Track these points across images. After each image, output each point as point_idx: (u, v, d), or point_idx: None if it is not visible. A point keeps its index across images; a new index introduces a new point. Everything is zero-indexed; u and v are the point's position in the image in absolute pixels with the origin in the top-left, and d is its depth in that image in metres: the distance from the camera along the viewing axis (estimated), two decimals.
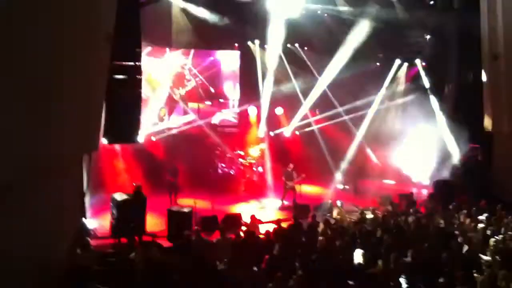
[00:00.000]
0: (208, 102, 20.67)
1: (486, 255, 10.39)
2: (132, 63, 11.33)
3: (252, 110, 20.88)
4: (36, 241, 8.59)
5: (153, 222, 13.85)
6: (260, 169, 19.61)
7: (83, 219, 12.55)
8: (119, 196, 13.16)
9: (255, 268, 9.31)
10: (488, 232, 11.56)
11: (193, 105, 20.28)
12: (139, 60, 11.68)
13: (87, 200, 13.00)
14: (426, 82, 20.86)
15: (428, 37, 19.87)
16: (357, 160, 19.61)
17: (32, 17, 7.17)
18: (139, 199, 13.10)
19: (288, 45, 20.58)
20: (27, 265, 8.21)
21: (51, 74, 7.85)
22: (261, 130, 20.74)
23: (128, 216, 12.67)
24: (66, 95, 8.47)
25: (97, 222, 13.82)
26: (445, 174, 19.27)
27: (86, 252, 10.32)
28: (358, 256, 9.93)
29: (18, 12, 6.84)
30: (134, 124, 11.67)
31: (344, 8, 18.92)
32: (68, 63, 8.29)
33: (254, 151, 19.91)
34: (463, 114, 18.76)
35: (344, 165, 19.68)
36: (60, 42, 7.92)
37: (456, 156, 19.56)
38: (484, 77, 17.73)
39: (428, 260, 9.80)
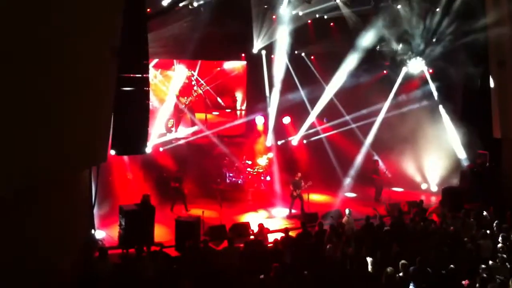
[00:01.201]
0: (216, 112, 20.77)
1: (496, 262, 10.33)
2: (139, 75, 11.41)
3: (259, 120, 20.93)
4: (44, 252, 8.66)
5: (161, 232, 13.90)
6: (268, 178, 19.65)
7: (92, 230, 12.62)
8: (127, 207, 13.25)
9: (262, 277, 9.32)
10: (498, 238, 11.49)
11: (200, 115, 20.36)
12: (147, 72, 11.76)
13: (96, 211, 13.06)
14: (433, 89, 20.83)
15: (435, 43, 19.83)
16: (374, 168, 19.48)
17: (42, 30, 7.29)
18: (147, 209, 13.16)
19: (296, 52, 20.69)
20: (35, 276, 8.28)
21: (59, 87, 7.96)
22: (269, 140, 20.77)
23: (136, 226, 12.73)
24: (75, 107, 8.58)
25: (105, 233, 13.90)
26: (454, 181, 19.24)
27: (103, 260, 10.40)
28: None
29: (27, 24, 6.96)
30: (142, 135, 11.72)
31: (350, 16, 18.97)
32: (76, 76, 8.40)
33: (261, 161, 19.94)
34: (471, 121, 18.73)
35: (353, 172, 19.76)
36: (69, 55, 8.04)
37: (464, 163, 19.52)
38: (491, 83, 17.73)
39: (437, 267, 9.77)
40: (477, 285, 8.92)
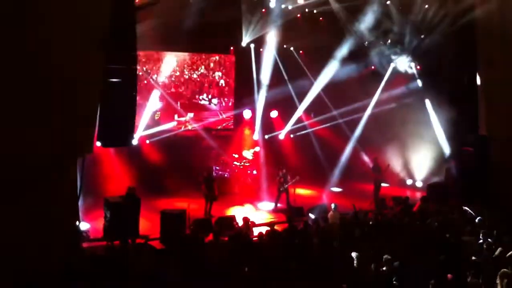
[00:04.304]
0: (204, 103, 20.69)
1: (479, 258, 10.42)
2: (127, 67, 11.32)
3: (247, 113, 20.94)
4: (29, 244, 8.61)
5: (147, 225, 13.85)
6: (254, 172, 19.67)
7: (77, 222, 12.54)
8: (113, 199, 13.17)
9: (247, 269, 9.35)
10: (481, 235, 11.59)
11: (188, 108, 20.28)
12: (135, 64, 11.68)
13: (81, 202, 12.99)
14: (421, 85, 20.91)
15: (423, 40, 19.87)
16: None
17: (29, 21, 7.22)
18: (132, 201, 13.09)
19: (285, 46, 20.68)
20: (20, 268, 8.24)
21: (46, 77, 7.89)
22: (256, 133, 20.80)
23: (121, 218, 12.66)
24: (61, 98, 8.51)
25: (90, 225, 13.81)
26: (439, 177, 19.37)
27: (78, 254, 10.33)
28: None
29: (17, 16, 6.89)
30: (128, 127, 11.67)
31: (339, 11, 18.93)
32: (63, 66, 8.33)
33: (248, 154, 19.97)
34: (457, 118, 18.80)
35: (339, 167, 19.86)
36: (56, 45, 7.97)
37: (450, 160, 19.63)
38: (478, 81, 17.83)
39: (420, 263, 9.85)
40: (459, 280, 9.00)
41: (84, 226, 13.34)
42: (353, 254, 9.95)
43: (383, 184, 18.57)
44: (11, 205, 8.02)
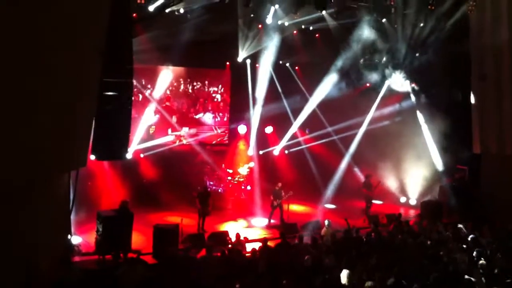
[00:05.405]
0: (199, 117, 20.69)
1: (472, 276, 10.40)
2: (123, 80, 11.34)
3: (242, 129, 20.96)
4: (20, 256, 8.54)
5: (139, 239, 13.76)
6: (248, 187, 19.62)
7: (69, 235, 12.46)
8: (105, 212, 13.11)
9: (239, 285, 9.29)
10: (474, 253, 11.58)
11: (183, 122, 20.27)
12: (130, 77, 11.70)
13: (73, 216, 12.91)
14: (415, 103, 20.99)
15: (418, 57, 19.98)
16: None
17: (24, 32, 7.22)
18: (125, 215, 13.03)
19: (280, 62, 20.78)
20: (10, 280, 8.16)
21: (41, 89, 7.88)
22: (251, 149, 20.79)
23: (114, 232, 12.58)
24: (56, 110, 8.49)
25: (82, 239, 13.72)
26: (433, 194, 19.37)
27: (67, 267, 10.25)
28: (343, 276, 9.90)
29: (12, 26, 6.89)
30: (123, 141, 11.65)
31: (335, 28, 19.03)
32: (59, 78, 8.32)
33: (243, 170, 19.93)
34: (451, 135, 18.88)
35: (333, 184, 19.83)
36: (52, 57, 7.97)
37: (443, 177, 19.66)
38: (472, 99, 17.93)
39: (413, 280, 9.81)
40: None
41: (76, 239, 13.26)
42: (344, 272, 9.89)
43: (374, 201, 18.53)
44: (2, 218, 7.95)
